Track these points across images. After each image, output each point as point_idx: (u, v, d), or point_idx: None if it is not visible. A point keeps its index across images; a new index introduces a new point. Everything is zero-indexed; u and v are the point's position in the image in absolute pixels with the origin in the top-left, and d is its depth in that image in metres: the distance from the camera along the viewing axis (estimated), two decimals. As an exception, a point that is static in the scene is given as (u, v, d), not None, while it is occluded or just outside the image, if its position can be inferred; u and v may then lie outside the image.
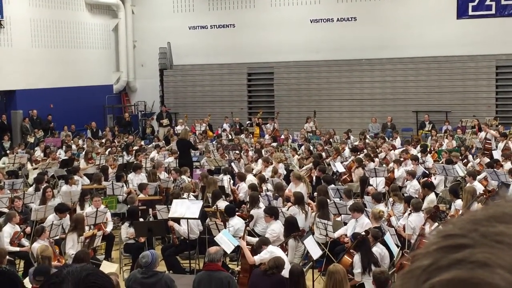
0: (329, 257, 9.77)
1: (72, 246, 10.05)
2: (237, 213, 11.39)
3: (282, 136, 21.53)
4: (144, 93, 28.21)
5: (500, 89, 23.50)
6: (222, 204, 11.76)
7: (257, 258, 8.98)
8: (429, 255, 0.74)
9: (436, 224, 9.91)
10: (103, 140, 21.43)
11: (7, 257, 9.02)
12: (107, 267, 8.38)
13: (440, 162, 15.30)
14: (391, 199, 12.03)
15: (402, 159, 15.49)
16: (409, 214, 10.68)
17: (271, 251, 8.77)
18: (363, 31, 24.46)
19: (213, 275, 7.78)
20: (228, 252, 9.48)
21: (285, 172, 15.24)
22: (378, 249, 9.11)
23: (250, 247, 9.47)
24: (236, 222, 10.80)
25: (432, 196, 12.39)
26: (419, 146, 17.79)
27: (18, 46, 22.96)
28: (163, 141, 21.42)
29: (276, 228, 10.33)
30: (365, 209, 11.01)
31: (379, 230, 9.56)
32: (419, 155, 16.04)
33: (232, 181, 13.99)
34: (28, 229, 11.13)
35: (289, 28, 25.46)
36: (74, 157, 17.96)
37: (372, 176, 13.95)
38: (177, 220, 10.85)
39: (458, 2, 23.57)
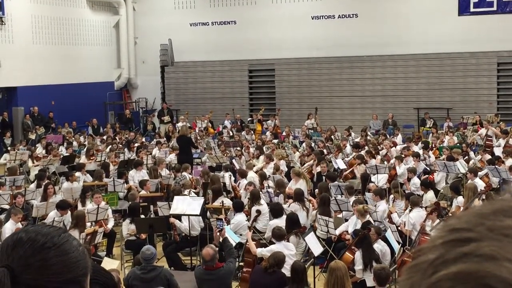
0: (330, 254, 9.78)
1: (74, 242, 10.04)
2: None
3: (283, 133, 21.52)
4: (145, 89, 28.21)
5: (502, 85, 23.49)
6: (226, 200, 11.76)
7: (259, 251, 9.05)
8: (435, 249, 0.74)
9: (438, 220, 9.91)
10: (104, 137, 21.43)
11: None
12: (108, 264, 8.39)
13: (442, 159, 15.29)
14: (392, 196, 12.03)
15: (403, 155, 15.49)
16: (410, 210, 10.68)
17: (271, 250, 8.79)
18: (364, 28, 24.44)
19: (213, 273, 7.83)
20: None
21: (286, 169, 15.24)
22: (379, 246, 9.12)
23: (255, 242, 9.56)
24: (240, 219, 10.79)
25: (429, 194, 12.37)
26: (420, 143, 17.79)
27: (19, 42, 22.96)
28: (164, 138, 21.42)
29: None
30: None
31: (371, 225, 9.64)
32: (420, 151, 16.04)
33: (233, 178, 13.98)
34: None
35: (290, 24, 25.45)
36: (75, 154, 17.96)
37: (373, 173, 13.94)
38: (178, 216, 10.86)
39: (460, -1, 23.56)
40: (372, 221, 10.25)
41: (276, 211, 10.60)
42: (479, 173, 13.27)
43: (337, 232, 10.43)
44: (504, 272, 0.67)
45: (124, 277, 8.20)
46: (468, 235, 0.72)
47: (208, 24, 27.00)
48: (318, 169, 14.66)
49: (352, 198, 11.57)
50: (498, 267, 0.68)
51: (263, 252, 9.01)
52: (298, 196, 11.40)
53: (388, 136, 19.60)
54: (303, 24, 25.38)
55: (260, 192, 11.96)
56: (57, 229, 1.33)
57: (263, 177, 13.60)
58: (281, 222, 10.21)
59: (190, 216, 10.63)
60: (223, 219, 9.17)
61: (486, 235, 0.71)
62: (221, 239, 8.51)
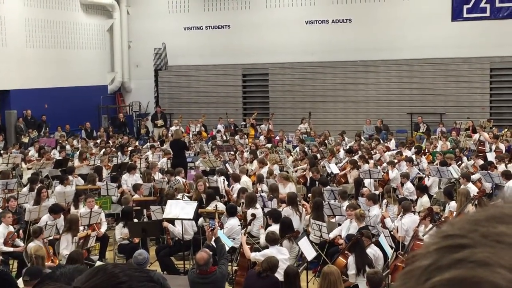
0: (323, 258, 9.78)
1: (66, 246, 10.02)
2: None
3: (277, 137, 21.53)
4: (139, 93, 28.18)
5: (494, 91, 23.58)
6: (220, 205, 11.74)
7: (253, 255, 9.05)
8: (429, 255, 0.74)
9: (431, 225, 9.94)
10: (98, 141, 21.38)
11: (1, 257, 8.99)
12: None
13: (435, 164, 15.33)
14: (385, 201, 12.06)
15: (396, 160, 15.52)
16: (401, 216, 10.70)
17: (265, 254, 8.78)
18: (358, 33, 24.50)
19: (206, 277, 7.82)
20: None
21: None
22: (372, 251, 9.12)
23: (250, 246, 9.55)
24: (234, 223, 10.76)
25: (424, 198, 12.41)
26: (413, 147, 17.82)
27: (12, 45, 22.90)
28: (158, 142, 21.39)
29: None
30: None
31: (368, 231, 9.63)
32: (413, 156, 16.07)
33: (226, 182, 13.97)
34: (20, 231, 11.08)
35: (284, 29, 25.47)
36: (68, 158, 17.91)
37: (366, 178, 13.96)
38: (171, 220, 10.85)
39: (453, 5, 23.64)
40: (366, 226, 10.27)
41: (275, 216, 10.56)
42: (472, 178, 13.30)
43: (331, 235, 10.43)
44: (498, 278, 0.68)
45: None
46: (461, 242, 0.73)
47: (202, 28, 27.00)
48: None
49: (345, 203, 11.57)
50: (491, 273, 0.68)
51: (257, 256, 9.01)
52: (291, 200, 11.39)
53: (381, 141, 19.64)
54: (297, 28, 25.42)
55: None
56: (145, 275, 1.21)
57: (260, 178, 13.61)
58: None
59: (183, 220, 10.61)
60: (214, 219, 9.19)
61: (480, 242, 0.71)
62: (213, 239, 8.53)
